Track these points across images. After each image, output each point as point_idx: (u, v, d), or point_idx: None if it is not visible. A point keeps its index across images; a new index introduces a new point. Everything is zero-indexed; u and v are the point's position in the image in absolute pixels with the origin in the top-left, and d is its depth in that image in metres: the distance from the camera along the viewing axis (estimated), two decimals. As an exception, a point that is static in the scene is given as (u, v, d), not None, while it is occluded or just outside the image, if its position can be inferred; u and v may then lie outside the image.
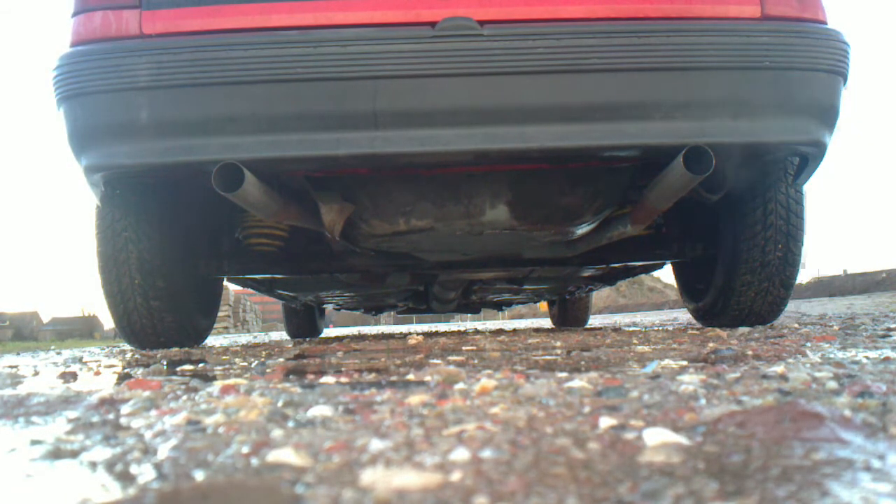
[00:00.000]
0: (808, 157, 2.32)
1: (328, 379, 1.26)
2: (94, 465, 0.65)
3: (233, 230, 3.11)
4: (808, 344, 1.79)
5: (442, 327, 8.83)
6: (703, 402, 0.87)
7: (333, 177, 2.52)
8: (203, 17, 2.12)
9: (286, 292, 4.35)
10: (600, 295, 24.10)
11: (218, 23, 2.11)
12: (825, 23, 2.19)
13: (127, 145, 2.11)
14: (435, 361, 1.63)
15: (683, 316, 6.34)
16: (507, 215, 2.59)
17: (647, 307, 21.59)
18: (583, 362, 1.54)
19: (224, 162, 2.06)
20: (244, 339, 6.46)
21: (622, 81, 2.07)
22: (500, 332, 4.01)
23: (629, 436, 0.69)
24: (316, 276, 3.76)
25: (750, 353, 1.58)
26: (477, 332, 4.15)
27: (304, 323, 6.21)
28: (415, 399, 0.94)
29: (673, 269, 3.51)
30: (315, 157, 2.09)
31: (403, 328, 10.07)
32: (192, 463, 0.64)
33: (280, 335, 7.77)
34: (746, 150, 2.21)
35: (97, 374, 1.82)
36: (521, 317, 22.65)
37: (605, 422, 0.75)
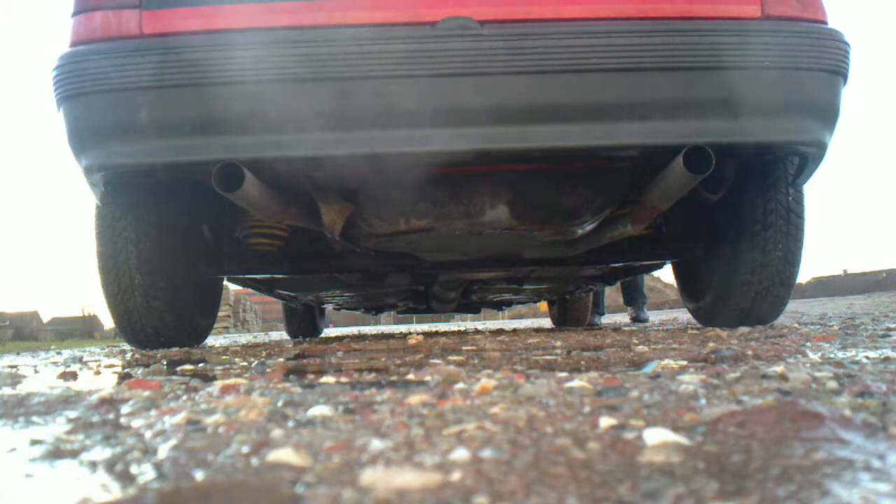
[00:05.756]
0: (808, 157, 2.32)
1: (328, 379, 1.26)
2: (94, 464, 0.65)
3: (233, 230, 3.11)
4: (808, 344, 1.79)
5: (442, 327, 8.84)
6: (703, 401, 0.87)
7: (333, 177, 2.51)
8: (203, 16, 2.12)
9: (286, 292, 4.35)
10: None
11: (218, 22, 2.11)
12: (825, 23, 2.19)
13: (127, 145, 2.11)
14: (435, 361, 1.63)
15: (683, 316, 6.34)
16: (507, 215, 2.59)
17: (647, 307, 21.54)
18: (583, 362, 1.54)
19: (224, 162, 2.06)
20: (244, 338, 6.46)
21: (622, 81, 2.07)
22: (500, 331, 4.01)
23: (629, 435, 0.69)
24: (316, 276, 3.76)
25: (750, 352, 1.58)
26: (477, 331, 4.15)
27: (304, 323, 6.21)
28: (415, 399, 0.94)
29: (673, 269, 3.50)
30: (315, 157, 2.09)
31: (403, 328, 10.07)
32: (193, 463, 0.64)
33: (280, 335, 7.77)
34: (746, 149, 2.21)
35: (97, 373, 1.82)
36: (521, 317, 22.64)
37: (605, 421, 0.75)
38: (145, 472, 0.61)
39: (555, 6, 2.12)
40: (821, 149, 2.24)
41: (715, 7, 2.13)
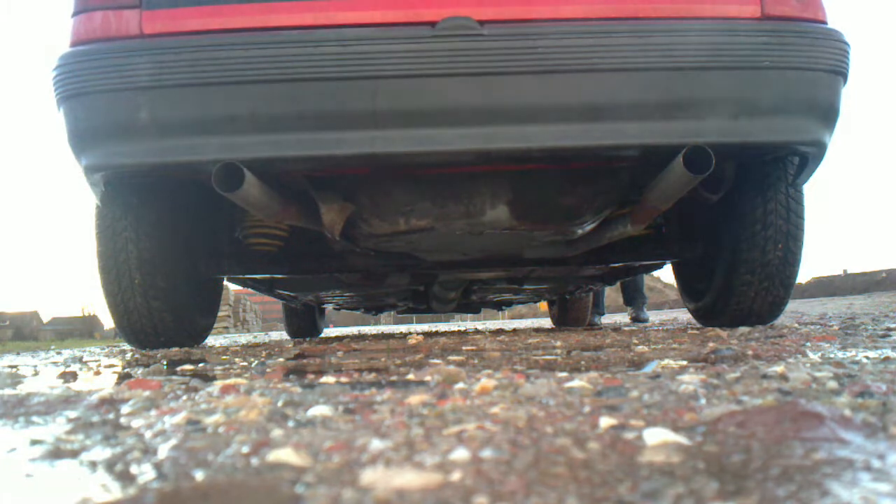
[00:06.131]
0: (807, 157, 2.32)
1: (328, 379, 1.26)
2: (94, 464, 0.65)
3: (233, 230, 3.11)
4: (808, 344, 1.79)
5: (442, 327, 8.84)
6: (703, 401, 0.87)
7: (333, 177, 2.52)
8: (203, 16, 2.12)
9: (286, 292, 4.35)
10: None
11: (218, 22, 2.11)
12: (825, 22, 2.19)
13: (127, 145, 2.11)
14: (435, 361, 1.63)
15: (683, 316, 6.34)
16: (507, 215, 2.59)
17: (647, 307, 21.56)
18: (583, 362, 1.54)
19: (224, 162, 2.06)
20: (244, 338, 6.46)
21: (622, 81, 2.07)
22: (500, 331, 4.01)
23: (629, 435, 0.69)
24: (316, 276, 3.76)
25: (750, 352, 1.58)
26: (477, 331, 4.15)
27: (304, 323, 6.21)
28: (415, 399, 0.94)
29: (673, 269, 3.51)
30: (315, 157, 2.09)
31: (403, 328, 10.07)
32: (193, 463, 0.64)
33: (280, 335, 7.77)
34: (746, 150, 2.21)
35: (97, 373, 1.82)
36: (521, 316, 22.64)
37: (605, 421, 0.75)
38: (145, 472, 0.61)
39: (555, 6, 2.12)
40: (821, 149, 2.24)
41: (714, 7, 2.13)
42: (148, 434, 0.78)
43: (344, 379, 1.26)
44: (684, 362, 1.39)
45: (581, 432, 0.72)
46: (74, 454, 0.69)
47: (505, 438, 0.69)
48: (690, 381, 1.03)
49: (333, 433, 0.74)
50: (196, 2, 2.13)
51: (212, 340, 5.10)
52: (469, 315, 19.05)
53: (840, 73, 2.17)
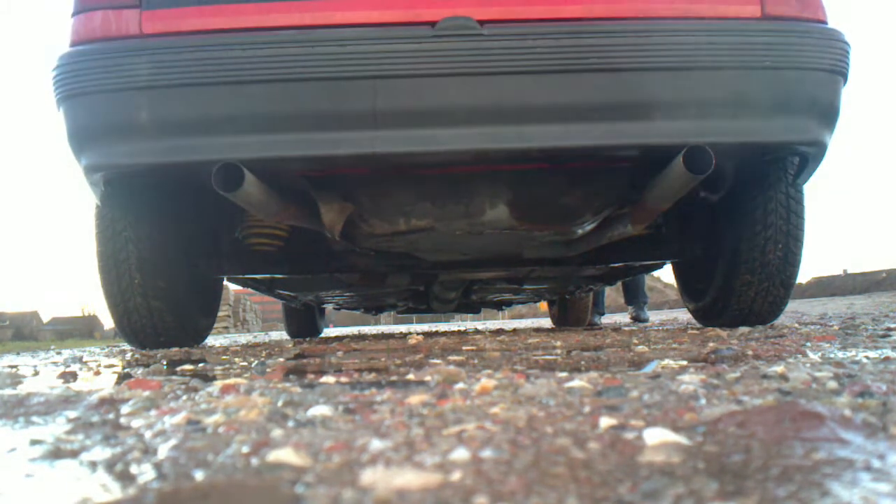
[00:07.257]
0: (808, 157, 2.32)
1: (328, 378, 1.26)
2: (93, 464, 0.65)
3: (233, 230, 3.11)
4: (808, 344, 1.79)
5: (442, 327, 8.83)
6: (703, 401, 0.87)
7: (333, 177, 2.52)
8: (203, 16, 2.12)
9: (286, 292, 4.35)
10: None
11: (218, 22, 2.11)
12: (825, 22, 2.19)
13: (127, 145, 2.11)
14: (435, 361, 1.63)
15: (683, 316, 6.34)
16: (507, 215, 2.59)
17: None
18: (583, 362, 1.54)
19: (224, 162, 2.06)
20: (244, 338, 6.46)
21: (622, 81, 2.07)
22: (500, 331, 4.01)
23: (629, 435, 0.69)
24: (316, 276, 3.76)
25: (750, 352, 1.58)
26: (477, 331, 4.15)
27: (304, 323, 6.21)
28: (415, 399, 0.94)
29: (673, 269, 3.51)
30: (315, 157, 2.09)
31: (403, 328, 10.07)
32: (192, 463, 0.64)
33: (280, 335, 7.77)
34: (746, 150, 2.21)
35: (97, 373, 1.82)
36: (521, 316, 22.64)
37: (606, 421, 0.75)
38: (145, 473, 0.61)
39: (555, 6, 2.12)
40: (821, 149, 2.24)
41: (715, 7, 2.13)
42: (148, 434, 0.78)
43: (344, 379, 1.26)
44: (684, 362, 1.39)
45: (581, 432, 0.72)
46: (74, 454, 0.69)
47: (505, 438, 0.69)
48: (690, 381, 1.03)
49: (333, 433, 0.74)
50: (196, 1, 2.13)
51: (212, 340, 5.10)
52: (469, 315, 19.03)
53: (840, 73, 2.17)
